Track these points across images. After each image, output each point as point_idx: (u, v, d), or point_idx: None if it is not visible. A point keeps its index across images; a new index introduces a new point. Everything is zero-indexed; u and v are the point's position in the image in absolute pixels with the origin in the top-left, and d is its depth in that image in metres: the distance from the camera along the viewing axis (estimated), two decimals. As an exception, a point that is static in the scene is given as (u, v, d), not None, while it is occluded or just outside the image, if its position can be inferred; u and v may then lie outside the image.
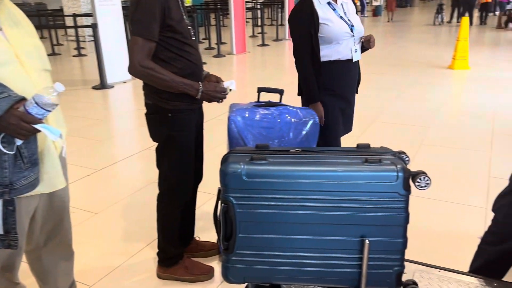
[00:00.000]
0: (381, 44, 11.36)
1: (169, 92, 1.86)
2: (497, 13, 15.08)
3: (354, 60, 2.33)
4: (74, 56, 10.29)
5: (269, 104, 2.14)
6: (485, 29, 13.55)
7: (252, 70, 8.43)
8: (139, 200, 3.11)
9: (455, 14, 14.91)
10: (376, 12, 20.66)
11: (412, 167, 1.29)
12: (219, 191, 1.43)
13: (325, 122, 2.33)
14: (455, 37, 7.59)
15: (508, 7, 13.53)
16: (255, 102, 2.20)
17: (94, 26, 6.67)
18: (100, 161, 3.84)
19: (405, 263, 1.72)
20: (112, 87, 6.81)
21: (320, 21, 2.25)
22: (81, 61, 9.69)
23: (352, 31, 2.30)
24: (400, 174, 1.29)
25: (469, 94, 6.11)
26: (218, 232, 1.45)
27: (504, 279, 1.75)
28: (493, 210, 1.70)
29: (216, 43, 10.00)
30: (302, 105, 2.43)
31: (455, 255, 1.90)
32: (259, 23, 13.46)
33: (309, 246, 1.36)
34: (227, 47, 10.43)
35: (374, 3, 20.70)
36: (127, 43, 7.25)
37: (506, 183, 1.68)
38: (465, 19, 7.48)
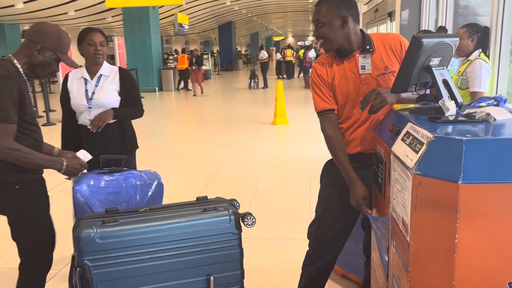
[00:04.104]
0: (213, 106, 12.35)
1: (14, 165, 1.87)
2: (301, 75, 18.33)
3: (89, 128, 2.52)
4: None
5: (113, 171, 2.27)
6: (295, 89, 15.92)
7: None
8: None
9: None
10: (206, 76, 22.24)
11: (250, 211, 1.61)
12: (73, 257, 1.52)
13: None
14: (273, 97, 8.80)
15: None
16: (99, 169, 2.31)
17: None
18: None
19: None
20: None
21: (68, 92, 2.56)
22: None
23: (89, 103, 2.51)
24: (232, 217, 1.61)
25: (290, 145, 7.15)
26: (75, 297, 1.52)
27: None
28: (308, 236, 2.15)
29: (44, 111, 9.43)
30: None
31: (292, 282, 2.30)
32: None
33: (163, 293, 1.54)
34: (57, 114, 9.94)
35: (204, 68, 22.25)
36: None
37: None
38: (279, 82, 8.78)
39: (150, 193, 2.23)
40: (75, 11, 16.97)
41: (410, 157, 1.30)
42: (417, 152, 1.28)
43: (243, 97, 14.14)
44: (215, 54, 30.77)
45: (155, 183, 2.24)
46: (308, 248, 2.17)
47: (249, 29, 37.32)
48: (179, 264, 1.55)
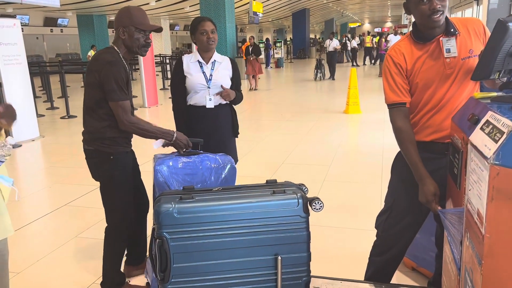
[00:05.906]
0: (286, 93, 12.40)
1: (109, 139, 2.23)
2: (377, 63, 17.95)
3: (207, 107, 2.75)
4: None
5: (190, 153, 2.41)
6: (371, 77, 15.39)
7: (165, 122, 8.63)
8: (63, 256, 3.11)
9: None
10: (278, 64, 22.32)
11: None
12: (153, 229, 1.66)
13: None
14: (344, 86, 8.62)
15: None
16: (177, 152, 2.46)
17: (-2, 85, 6.49)
18: (15, 222, 3.72)
19: (315, 279, 2.06)
20: (20, 145, 6.58)
21: (184, 73, 2.76)
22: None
23: (208, 84, 2.74)
24: (300, 200, 1.65)
25: (362, 135, 6.99)
26: (154, 266, 1.67)
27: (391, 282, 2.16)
28: (376, 227, 2.13)
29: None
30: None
31: (359, 270, 2.30)
32: (169, 76, 13.82)
33: (234, 268, 1.64)
34: (139, 100, 10.57)
35: (276, 56, 22.34)
36: (35, 101, 7.57)
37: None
38: (353, 70, 8.58)
39: (223, 176, 2.34)
40: (156, 1, 17.81)
41: (489, 147, 1.25)
42: (496, 141, 1.22)
43: (313, 87, 13.95)
44: (288, 42, 30.67)
45: (228, 166, 2.35)
46: (375, 238, 2.15)
47: (323, 15, 36.60)
48: (249, 242, 1.63)
